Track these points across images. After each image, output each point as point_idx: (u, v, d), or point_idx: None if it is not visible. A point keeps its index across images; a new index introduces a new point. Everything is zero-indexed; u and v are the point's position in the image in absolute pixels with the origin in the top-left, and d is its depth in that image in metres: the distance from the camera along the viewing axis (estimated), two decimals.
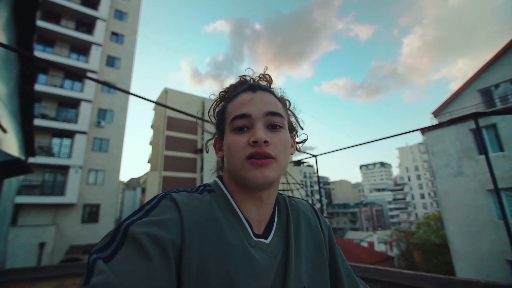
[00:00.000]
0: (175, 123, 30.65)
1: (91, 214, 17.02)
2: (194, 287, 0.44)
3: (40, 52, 16.78)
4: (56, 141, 16.89)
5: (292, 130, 0.66)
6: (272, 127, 0.56)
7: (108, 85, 1.87)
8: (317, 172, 3.42)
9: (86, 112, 17.52)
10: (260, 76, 0.67)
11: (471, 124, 11.12)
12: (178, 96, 33.29)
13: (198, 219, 0.49)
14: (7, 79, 3.06)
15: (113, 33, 21.01)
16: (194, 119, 2.73)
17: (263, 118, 0.55)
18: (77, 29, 19.00)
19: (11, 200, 5.31)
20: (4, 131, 2.93)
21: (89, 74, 18.10)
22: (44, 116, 16.42)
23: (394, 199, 71.33)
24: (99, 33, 19.07)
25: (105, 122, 18.63)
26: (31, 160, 6.51)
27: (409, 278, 2.22)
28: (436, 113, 13.52)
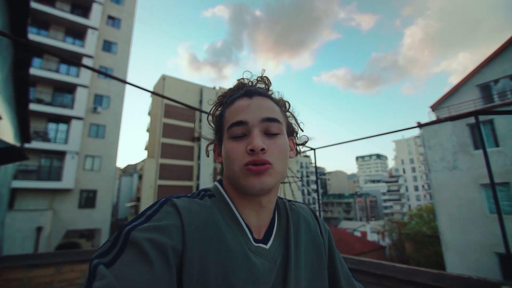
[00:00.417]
0: (173, 110, 30.39)
1: (88, 199, 17.09)
2: None
3: (34, 35, 16.32)
4: (52, 126, 16.71)
5: (292, 133, 0.65)
6: (270, 133, 0.56)
7: (102, 73, 1.83)
8: (315, 166, 3.43)
9: (82, 98, 17.27)
10: (258, 79, 0.66)
11: (468, 119, 11.17)
12: (176, 83, 32.86)
13: (198, 225, 0.49)
14: (1, 64, 2.97)
15: (110, 17, 20.47)
16: (192, 106, 2.70)
17: (259, 124, 0.55)
18: (72, 12, 18.46)
19: (7, 186, 5.29)
20: None
21: (85, 59, 17.74)
22: (39, 101, 16.18)
23: (389, 191, 72.43)
24: (95, 16, 18.57)
25: (101, 108, 18.41)
26: (27, 145, 6.44)
27: (403, 272, 2.27)
28: (434, 107, 13.53)
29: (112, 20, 20.62)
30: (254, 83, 0.66)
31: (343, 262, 0.72)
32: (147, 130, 36.85)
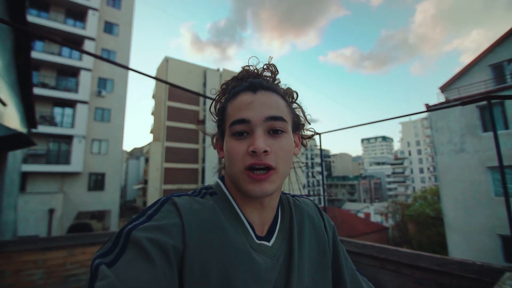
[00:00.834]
0: (177, 93, 30.17)
1: (97, 182, 17.51)
2: None
3: (34, 17, 16.04)
4: (57, 110, 16.83)
5: (297, 127, 0.62)
6: (274, 132, 0.53)
7: (103, 59, 1.79)
8: (321, 151, 3.41)
9: (86, 81, 17.22)
10: (264, 67, 0.63)
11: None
12: (179, 65, 32.41)
13: (199, 224, 0.49)
14: (2, 50, 2.94)
15: None
16: (195, 90, 2.67)
17: (263, 123, 0.52)
18: None
19: (17, 171, 5.42)
20: (4, 104, 2.89)
21: (87, 42, 17.49)
22: (44, 85, 16.18)
23: (393, 173, 72.44)
24: None
25: (106, 92, 18.38)
26: (34, 130, 6.53)
27: (406, 256, 2.29)
28: (443, 88, 13.17)
29: (113, 0, 20.09)
30: (259, 72, 0.62)
31: (347, 257, 0.71)
32: (152, 113, 36.91)
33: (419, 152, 65.14)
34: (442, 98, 13.24)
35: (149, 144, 34.92)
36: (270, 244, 0.56)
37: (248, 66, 0.63)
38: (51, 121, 16.20)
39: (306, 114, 0.65)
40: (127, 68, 2.02)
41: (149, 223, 0.45)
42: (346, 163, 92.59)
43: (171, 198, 0.51)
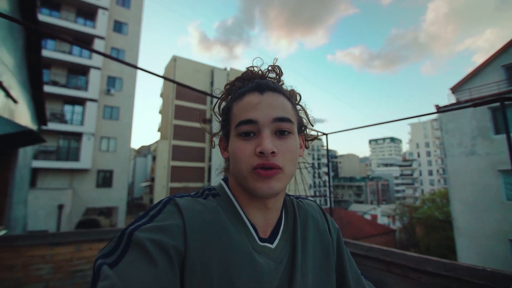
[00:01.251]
0: (184, 92, 30.40)
1: (105, 179, 17.79)
2: None
3: (46, 17, 16.37)
4: (68, 108, 17.16)
5: (302, 129, 0.62)
6: (280, 133, 0.53)
7: (113, 58, 1.81)
8: (327, 151, 3.38)
9: (95, 80, 17.50)
10: (269, 68, 0.63)
11: None
12: (187, 64, 32.63)
13: (201, 225, 0.49)
14: (13, 48, 3.00)
15: None
16: (203, 89, 2.68)
17: (270, 124, 0.52)
18: None
19: (28, 167, 5.55)
20: (15, 101, 2.95)
21: (96, 40, 17.76)
22: (55, 83, 16.51)
23: (401, 175, 71.43)
24: None
25: (114, 90, 18.64)
26: (45, 127, 6.67)
27: (413, 260, 2.25)
28: (454, 89, 12.90)
29: (122, 0, 20.34)
30: (264, 73, 0.62)
31: (352, 260, 0.70)
32: (160, 112, 37.28)
33: (428, 154, 64.06)
34: (453, 99, 12.98)
35: (156, 142, 35.28)
36: (273, 246, 0.56)
37: (253, 67, 0.63)
38: (61, 119, 16.53)
39: (309, 116, 0.65)
40: (136, 67, 2.03)
41: (151, 224, 0.45)
42: (353, 164, 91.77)
43: (173, 199, 0.51)
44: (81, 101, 17.20)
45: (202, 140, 32.02)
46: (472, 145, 11.40)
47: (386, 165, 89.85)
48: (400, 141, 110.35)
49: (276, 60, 0.64)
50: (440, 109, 12.36)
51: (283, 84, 0.63)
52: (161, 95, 37.24)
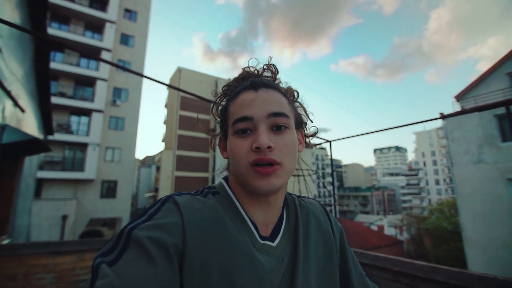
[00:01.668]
0: (189, 102, 30.75)
1: (109, 189, 17.82)
2: None
3: (56, 30, 16.89)
4: (74, 119, 17.43)
5: (300, 125, 0.63)
6: (277, 128, 0.53)
7: (121, 67, 1.84)
8: (331, 159, 3.35)
9: (102, 91, 17.82)
10: (264, 67, 0.63)
11: (496, 110, 10.52)
12: (191, 75, 33.12)
13: (200, 222, 0.49)
14: (23, 59, 3.09)
15: (127, 10, 20.82)
16: (208, 99, 2.71)
17: (266, 120, 0.52)
18: (91, 6, 18.91)
19: (33, 176, 5.60)
20: (22, 111, 3.01)
21: (103, 53, 18.19)
22: (62, 94, 16.85)
23: (408, 184, 70.38)
24: (113, 9, 18.93)
25: (120, 101, 18.93)
26: (51, 137, 6.77)
27: (422, 269, 2.18)
28: (459, 97, 12.84)
29: (129, 13, 20.94)
30: (260, 72, 0.63)
31: (356, 261, 0.69)
32: (164, 122, 37.59)
33: (435, 163, 63.23)
34: (457, 108, 12.89)
35: (160, 152, 35.46)
36: (274, 244, 0.55)
37: (249, 67, 0.64)
38: (67, 129, 16.77)
39: (308, 112, 0.66)
40: (143, 76, 2.07)
41: (150, 222, 0.45)
42: (358, 173, 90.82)
43: (172, 197, 0.51)
44: (87, 112, 17.47)
45: (206, 150, 32.11)
46: (479, 153, 11.24)
47: (392, 174, 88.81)
48: (405, 150, 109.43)
49: (271, 59, 0.65)
50: (444, 115, 12.27)
51: (279, 82, 0.63)
52: (166, 106, 37.66)
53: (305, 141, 0.65)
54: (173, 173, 29.47)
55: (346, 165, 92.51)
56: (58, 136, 15.20)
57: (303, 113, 0.64)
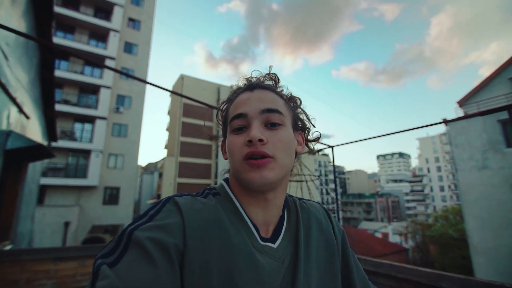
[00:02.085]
0: (191, 109, 30.96)
1: (112, 196, 17.83)
2: None
3: (60, 39, 17.21)
4: (78, 126, 17.59)
5: (300, 128, 0.64)
6: (271, 125, 0.54)
7: (125, 74, 1.86)
8: (333, 164, 3.34)
9: (105, 98, 18.01)
10: (266, 76, 0.66)
11: (500, 115, 10.45)
12: (194, 82, 33.43)
13: (200, 223, 0.49)
14: (28, 66, 3.15)
15: (130, 19, 21.18)
16: (210, 105, 2.73)
17: (259, 116, 0.54)
18: (95, 15, 19.29)
19: (36, 183, 5.63)
20: (27, 117, 3.05)
21: (107, 61, 18.47)
22: (66, 102, 17.05)
23: (412, 191, 69.64)
24: (117, 19, 19.27)
25: (123, 108, 19.10)
26: (55, 144, 6.82)
27: (427, 276, 2.14)
28: (461, 103, 12.80)
29: (133, 22, 21.30)
30: (261, 80, 0.65)
31: (359, 264, 0.68)
32: (167, 129, 37.79)
33: (439, 169, 62.63)
34: (460, 113, 12.85)
35: (163, 159, 35.51)
36: (275, 245, 0.55)
37: (252, 77, 0.66)
38: (71, 136, 16.90)
39: (310, 117, 0.67)
40: (147, 82, 2.09)
41: (150, 223, 0.45)
42: (361, 180, 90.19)
43: (172, 198, 0.51)
44: (91, 119, 17.63)
45: (208, 157, 32.14)
46: (483, 158, 11.13)
47: (396, 181, 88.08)
48: (408, 156, 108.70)
49: (272, 67, 0.67)
50: (447, 120, 12.23)
51: (282, 91, 0.65)
52: (169, 113, 37.93)
53: (308, 146, 0.66)
54: (176, 179, 29.46)
55: (349, 172, 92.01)
56: (61, 143, 15.32)
57: (305, 118, 0.66)
